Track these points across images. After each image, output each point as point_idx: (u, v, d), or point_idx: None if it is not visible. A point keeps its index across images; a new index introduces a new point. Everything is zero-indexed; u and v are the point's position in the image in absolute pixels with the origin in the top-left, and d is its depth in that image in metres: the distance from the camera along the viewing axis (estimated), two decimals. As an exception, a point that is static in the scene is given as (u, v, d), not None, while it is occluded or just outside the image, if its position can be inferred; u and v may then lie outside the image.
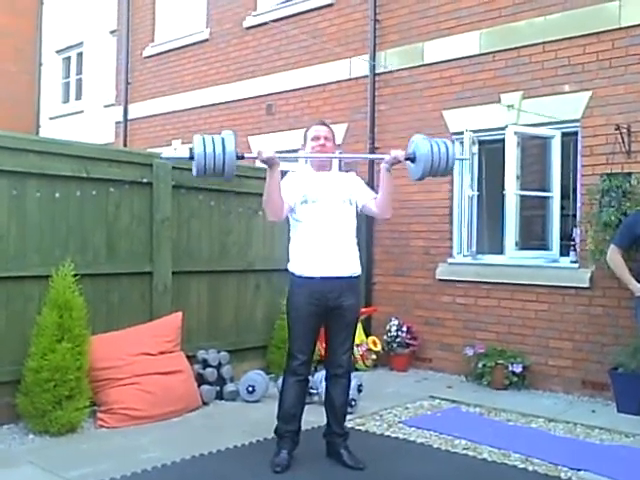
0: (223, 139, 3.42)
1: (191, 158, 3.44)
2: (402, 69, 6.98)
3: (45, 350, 4.17)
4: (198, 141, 3.41)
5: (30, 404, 4.16)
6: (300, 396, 3.78)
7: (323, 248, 3.66)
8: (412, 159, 3.84)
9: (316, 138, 3.82)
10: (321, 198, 3.71)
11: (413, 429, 4.60)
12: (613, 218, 5.24)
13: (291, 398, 3.75)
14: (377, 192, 3.91)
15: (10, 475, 3.50)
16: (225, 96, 8.84)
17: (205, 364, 5.24)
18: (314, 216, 3.69)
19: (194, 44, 9.39)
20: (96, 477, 3.48)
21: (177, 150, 9.28)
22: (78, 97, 12.99)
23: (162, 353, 4.84)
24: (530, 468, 3.85)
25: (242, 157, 3.54)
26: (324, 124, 3.93)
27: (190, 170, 5.42)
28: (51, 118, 13.47)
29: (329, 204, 3.72)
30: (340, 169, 7.22)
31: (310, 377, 4.23)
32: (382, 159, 3.91)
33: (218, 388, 5.21)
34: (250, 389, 5.19)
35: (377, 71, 7.14)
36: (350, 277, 3.75)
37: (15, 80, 13.39)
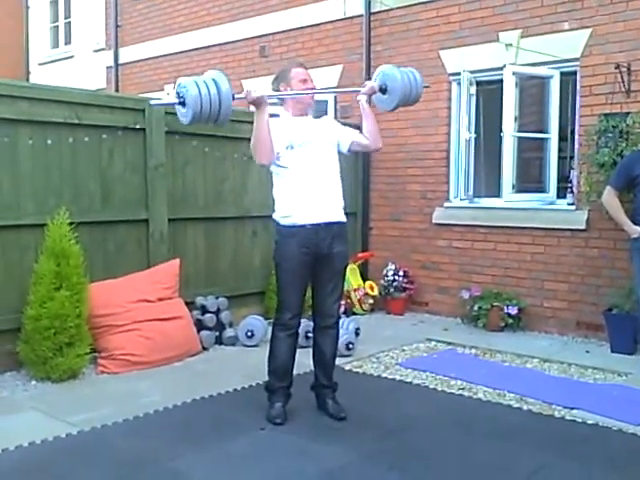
0: (215, 80, 3.23)
1: (181, 103, 3.24)
2: (398, 7, 6.80)
3: (44, 298, 4.18)
4: (189, 83, 3.20)
5: (31, 351, 4.20)
6: (292, 350, 3.67)
7: (313, 194, 3.55)
8: (383, 90, 3.80)
9: (304, 81, 3.68)
10: (307, 142, 3.59)
11: (410, 370, 4.68)
12: (608, 159, 5.20)
13: (283, 354, 3.65)
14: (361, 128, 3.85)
15: (15, 420, 3.56)
16: (217, 38, 8.65)
17: (204, 310, 5.29)
18: (301, 161, 3.56)
19: (184, -16, 9.12)
20: (99, 421, 3.54)
21: (169, 95, 9.12)
22: (67, 42, 12.68)
23: (161, 300, 4.87)
24: (525, 407, 3.93)
25: (233, 97, 3.35)
26: (305, 67, 3.82)
27: (183, 116, 5.38)
28: (40, 64, 13.17)
29: (315, 148, 3.61)
30: (336, 115, 7.17)
31: (305, 320, 4.24)
32: (358, 91, 3.85)
33: (217, 333, 5.27)
34: (249, 334, 5.25)
35: (372, 10, 6.96)
36: (340, 222, 3.67)
37: (2, 25, 13.08)
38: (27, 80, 12.61)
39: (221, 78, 3.24)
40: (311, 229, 3.54)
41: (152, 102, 3.62)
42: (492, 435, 3.50)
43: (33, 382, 4.23)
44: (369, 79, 6.87)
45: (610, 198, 4.84)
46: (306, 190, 3.55)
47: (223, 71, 3.36)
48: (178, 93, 3.25)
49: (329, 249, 3.60)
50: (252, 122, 5.96)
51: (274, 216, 3.69)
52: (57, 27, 13.05)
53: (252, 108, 3.57)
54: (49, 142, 4.57)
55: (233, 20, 8.49)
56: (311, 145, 3.61)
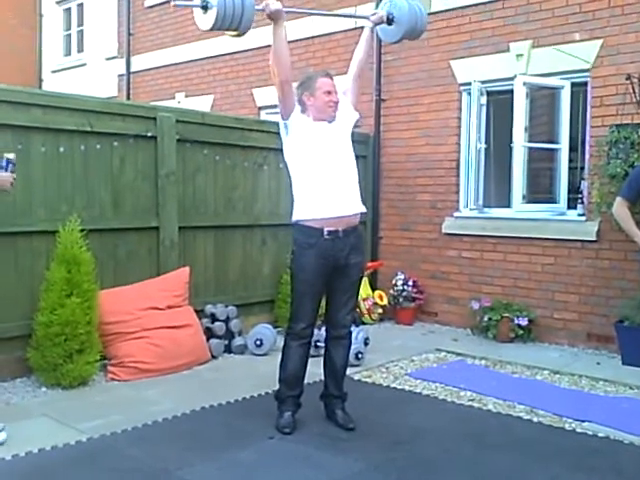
0: None
1: (204, 7, 3.20)
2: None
3: (54, 305, 4.20)
4: None
5: (41, 358, 4.22)
6: (304, 360, 3.66)
7: (334, 188, 3.51)
8: (390, 20, 3.81)
9: (329, 93, 3.63)
10: (329, 141, 3.59)
11: (419, 381, 4.66)
12: (620, 170, 5.18)
13: (295, 363, 3.63)
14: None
15: (26, 427, 3.57)
16: (229, 47, 8.68)
17: (213, 318, 5.29)
18: (321, 164, 3.54)
19: (197, -7, 9.17)
20: (108, 429, 3.55)
21: (179, 103, 9.18)
22: (80, 49, 12.76)
23: (170, 307, 4.88)
24: (535, 419, 3.91)
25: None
26: (331, 77, 3.75)
27: (194, 124, 5.43)
28: (53, 71, 13.26)
29: (334, 150, 3.59)
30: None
31: (316, 330, 4.23)
32: (367, 18, 3.89)
33: (226, 342, 5.27)
34: (258, 342, 5.25)
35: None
36: (357, 232, 3.66)
37: (15, 33, 13.19)
38: (40, 87, 12.71)
39: None
40: (329, 240, 3.51)
41: (175, 2, 3.49)
42: (502, 447, 3.48)
43: (43, 389, 4.25)
44: (379, 88, 6.97)
45: (620, 209, 4.80)
46: (328, 183, 3.51)
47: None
48: None
49: (346, 260, 3.58)
50: (261, 131, 6.02)
51: (294, 218, 3.63)
52: (70, 35, 13.15)
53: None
54: (61, 149, 4.61)
55: (245, 29, 8.52)
56: (333, 143, 3.60)
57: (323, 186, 3.54)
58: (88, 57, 12.34)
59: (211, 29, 3.27)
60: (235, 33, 3.39)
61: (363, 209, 3.71)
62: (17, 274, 4.41)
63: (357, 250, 3.66)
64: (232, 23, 3.20)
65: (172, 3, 3.42)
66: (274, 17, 3.42)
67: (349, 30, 7.33)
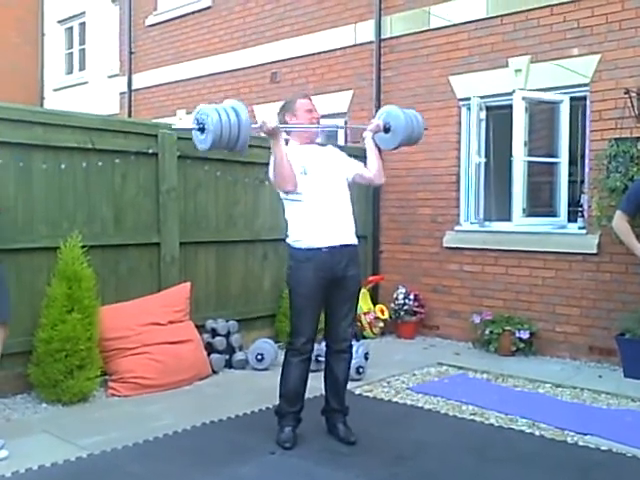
0: (234, 108, 3.28)
1: (200, 129, 3.28)
2: (408, 34, 6.88)
3: (55, 321, 4.21)
4: (210, 110, 3.24)
5: (42, 374, 4.22)
6: (304, 376, 3.64)
7: (327, 218, 3.57)
8: (387, 129, 3.93)
9: (309, 111, 3.73)
10: (318, 168, 3.63)
11: (421, 395, 4.65)
12: (619, 184, 5.20)
13: (295, 379, 3.62)
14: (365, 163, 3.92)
15: (26, 443, 3.56)
16: (229, 64, 8.76)
17: (214, 333, 5.29)
18: (314, 186, 3.58)
19: (197, 12, 9.28)
20: (109, 445, 3.54)
21: (181, 120, 9.24)
22: (82, 68, 12.86)
23: (171, 323, 4.89)
24: (537, 433, 3.89)
25: None
26: (309, 98, 3.86)
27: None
28: (55, 89, 13.35)
29: (326, 173, 3.65)
30: (346, 141, 7.21)
31: (317, 345, 4.22)
32: (364, 128, 3.96)
33: (227, 357, 5.26)
34: (259, 357, 5.24)
35: (383, 37, 7.04)
36: (353, 245, 3.68)
37: (17, 51, 13.30)
38: (41, 105, 12.79)
39: (240, 107, 3.31)
40: (327, 252, 3.53)
41: (174, 127, 3.59)
42: (504, 461, 3.46)
43: (44, 405, 4.24)
44: (379, 104, 7.01)
45: (620, 223, 4.81)
46: (320, 214, 3.57)
47: (242, 101, 3.44)
48: (197, 119, 3.30)
49: (343, 272, 3.60)
50: (262, 147, 6.03)
51: (288, 241, 3.69)
52: (72, 53, 13.26)
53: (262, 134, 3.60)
54: (63, 167, 4.63)
55: (245, 47, 8.61)
56: (322, 171, 3.65)
57: (313, 218, 3.57)
58: (90, 75, 12.44)
59: (209, 150, 3.36)
60: (231, 151, 3.47)
61: (354, 241, 3.71)
62: (18, 290, 4.41)
63: (354, 263, 3.68)
64: (228, 145, 3.30)
65: (173, 127, 3.50)
66: (271, 134, 3.48)
67: (348, 47, 7.41)
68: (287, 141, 3.72)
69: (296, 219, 3.65)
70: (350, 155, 3.98)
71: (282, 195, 3.69)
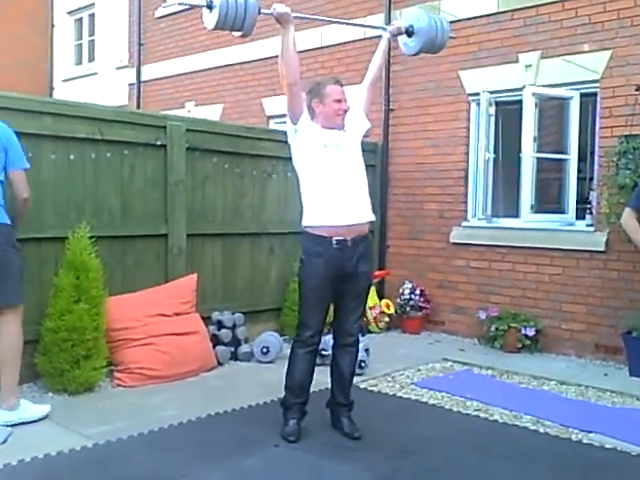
0: None
1: (208, 7, 3.27)
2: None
3: (62, 311, 4.23)
4: None
5: (49, 363, 4.24)
6: (310, 368, 3.64)
7: (344, 194, 3.51)
8: (410, 32, 3.84)
9: (339, 101, 3.62)
10: (339, 147, 3.58)
11: (425, 390, 4.65)
12: (629, 181, 5.17)
13: (301, 371, 3.62)
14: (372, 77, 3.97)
15: (31, 432, 3.58)
16: (238, 57, 8.75)
17: (220, 325, 5.30)
18: (334, 163, 3.54)
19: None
20: (114, 434, 3.55)
21: (190, 113, 9.24)
22: (91, 59, 12.87)
23: (178, 314, 4.90)
24: (541, 430, 3.89)
25: (259, 11, 3.40)
26: (341, 84, 3.73)
27: (204, 132, 5.46)
28: (64, 80, 13.37)
29: (346, 152, 3.60)
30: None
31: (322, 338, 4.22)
32: (384, 29, 3.94)
33: (233, 349, 5.28)
34: (264, 350, 5.25)
35: (392, 31, 7.01)
36: (365, 240, 3.66)
37: (27, 42, 13.32)
38: (51, 96, 12.81)
39: None
40: (337, 248, 3.51)
41: (179, 1, 3.54)
42: (508, 457, 3.46)
43: (50, 394, 4.26)
44: (388, 98, 6.99)
45: (629, 220, 4.78)
46: (338, 190, 3.52)
47: None
48: None
49: (354, 268, 3.58)
50: (270, 140, 6.04)
51: (303, 223, 3.63)
52: (81, 45, 13.26)
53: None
54: (72, 157, 4.64)
55: (253, 39, 8.56)
56: (342, 150, 3.60)
57: (333, 194, 3.54)
58: (99, 66, 12.44)
59: (214, 28, 3.34)
60: (240, 34, 3.45)
61: (372, 217, 3.71)
62: (26, 280, 4.41)
63: (365, 258, 3.66)
64: (235, 24, 3.28)
65: (176, 2, 3.49)
66: (282, 20, 3.46)
67: (358, 40, 7.38)
68: (312, 115, 3.66)
69: (312, 197, 3.60)
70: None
71: (302, 171, 3.64)
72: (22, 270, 3.76)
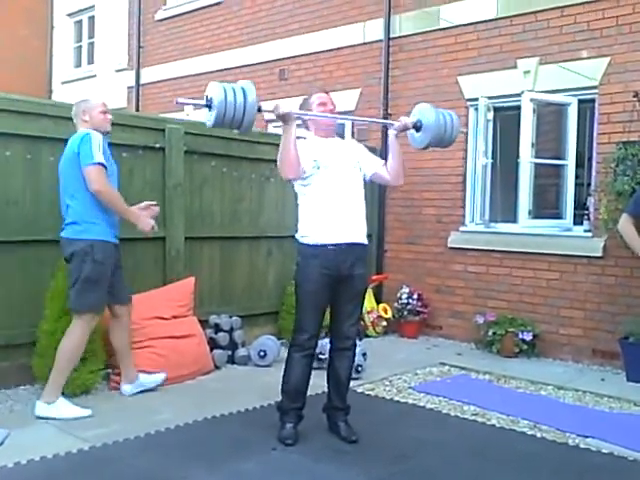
0: (244, 88, 3.31)
1: (207, 106, 3.31)
2: (417, 33, 6.87)
3: (59, 313, 4.21)
4: (218, 88, 3.27)
5: (45, 366, 4.21)
6: (306, 372, 3.65)
7: (338, 214, 3.56)
8: (418, 127, 3.82)
9: (323, 104, 3.72)
10: (333, 164, 3.61)
11: (423, 395, 4.65)
12: (627, 187, 5.18)
13: (298, 375, 3.63)
14: (386, 160, 3.86)
15: (28, 434, 3.57)
16: (238, 60, 8.77)
17: (217, 328, 5.30)
18: (327, 182, 3.58)
19: (207, 7, 9.29)
20: (110, 437, 3.55)
21: (188, 116, 9.24)
22: (90, 61, 12.87)
23: (175, 317, 4.90)
24: (538, 434, 3.89)
25: (259, 109, 3.42)
26: (327, 92, 3.86)
27: (202, 136, 5.45)
28: (63, 82, 13.37)
29: (341, 170, 3.63)
30: (353, 137, 7.21)
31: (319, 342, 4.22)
32: (392, 125, 3.91)
33: (230, 352, 5.27)
34: (262, 354, 5.25)
35: (392, 35, 7.04)
36: (362, 244, 3.68)
37: (26, 44, 13.32)
38: (49, 98, 12.81)
39: (250, 88, 3.34)
40: (332, 250, 3.53)
41: (178, 100, 3.56)
42: (505, 462, 3.46)
43: (47, 396, 4.25)
44: (387, 103, 7.01)
45: (626, 225, 4.79)
46: (331, 210, 3.56)
47: (254, 83, 3.45)
48: (206, 96, 3.33)
49: (350, 271, 3.59)
50: (268, 143, 6.04)
51: (296, 236, 3.69)
52: (80, 47, 13.27)
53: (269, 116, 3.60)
54: (70, 159, 4.63)
55: (253, 43, 8.61)
56: (337, 166, 3.62)
57: (329, 212, 3.56)
58: (98, 69, 12.45)
59: (213, 127, 3.38)
60: (237, 131, 3.48)
61: (365, 241, 3.71)
62: (23, 282, 4.43)
63: (361, 262, 3.67)
64: (233, 123, 3.31)
65: (175, 101, 3.53)
66: (284, 119, 3.48)
67: (357, 45, 7.40)
68: (306, 127, 3.74)
69: (306, 213, 3.66)
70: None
71: (296, 188, 3.69)
72: (90, 281, 3.94)
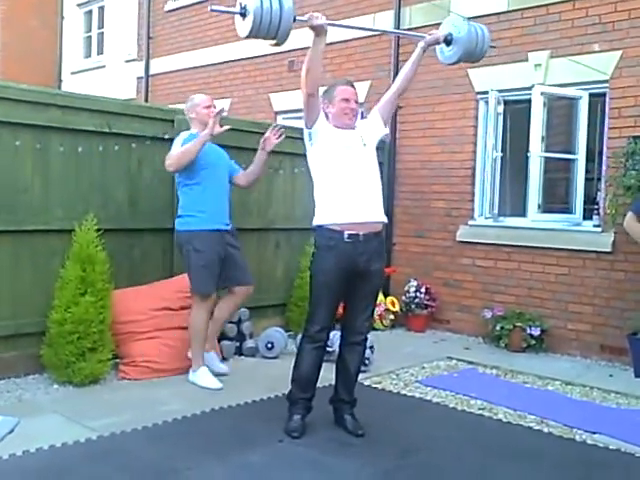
0: None
1: (241, 14, 3.20)
2: (427, 25, 6.81)
3: (69, 303, 4.24)
4: None
5: (54, 355, 4.25)
6: (317, 363, 3.65)
7: (354, 193, 3.50)
8: (449, 41, 3.73)
9: (347, 100, 3.63)
10: (352, 145, 3.58)
11: (429, 388, 4.65)
12: (635, 182, 5.15)
13: (308, 366, 3.62)
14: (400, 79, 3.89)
15: (37, 423, 3.59)
16: (247, 52, 8.73)
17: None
18: (341, 161, 3.54)
19: (216, -2, 9.25)
20: (118, 427, 3.57)
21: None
22: (100, 52, 12.90)
23: (183, 308, 4.90)
24: (545, 430, 3.88)
25: (294, 19, 3.36)
26: (352, 85, 3.75)
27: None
28: (73, 73, 13.40)
29: (360, 151, 3.60)
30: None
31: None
32: (423, 37, 3.86)
33: (238, 344, 5.29)
34: (269, 345, 5.26)
35: (402, 27, 6.99)
36: (379, 237, 3.64)
37: (36, 34, 13.35)
38: (59, 88, 12.84)
39: None
40: (349, 243, 3.48)
41: (212, 7, 3.54)
42: (512, 457, 3.46)
43: (55, 386, 4.28)
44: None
45: (632, 223, 4.78)
46: (347, 190, 3.51)
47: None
48: (240, 3, 3.23)
49: (366, 265, 3.55)
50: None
51: (315, 222, 3.62)
52: (90, 37, 13.29)
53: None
54: (80, 150, 4.65)
55: (263, 34, 8.57)
56: (356, 150, 3.60)
57: (345, 192, 3.53)
58: (107, 59, 12.47)
59: (247, 37, 3.29)
60: (273, 42, 3.40)
61: (384, 219, 3.70)
62: (33, 272, 4.45)
63: (379, 256, 3.65)
64: (269, 32, 3.21)
65: (209, 8, 3.45)
66: (316, 30, 3.46)
67: (366, 37, 7.36)
68: (327, 115, 3.68)
69: (321, 195, 3.61)
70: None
71: (315, 170, 3.65)
72: (196, 268, 4.38)
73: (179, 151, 4.37)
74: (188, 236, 4.39)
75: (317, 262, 3.59)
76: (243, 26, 3.24)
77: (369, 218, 3.57)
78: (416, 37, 4.12)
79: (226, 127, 4.47)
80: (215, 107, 4.55)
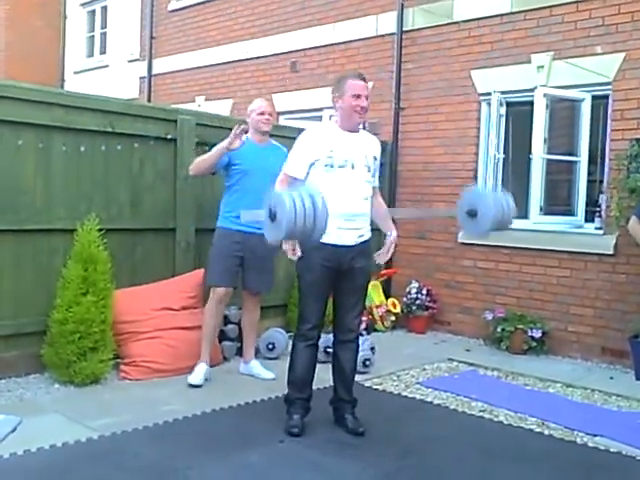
0: (312, 195, 2.91)
1: (271, 218, 2.93)
2: (430, 27, 6.83)
3: (70, 303, 4.24)
4: (283, 199, 2.86)
5: (55, 355, 4.25)
6: (311, 361, 3.66)
7: (342, 218, 3.47)
8: (473, 214, 3.43)
9: (358, 97, 3.51)
10: (347, 163, 3.54)
11: (430, 390, 4.64)
12: (639, 184, 5.14)
13: (302, 365, 3.65)
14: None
15: (37, 423, 3.60)
16: (249, 52, 8.75)
17: (226, 321, 5.30)
18: (338, 182, 3.51)
19: (219, -2, 9.26)
20: (119, 427, 3.57)
21: (201, 107, 9.24)
22: (102, 51, 12.93)
23: (184, 309, 4.91)
24: (546, 432, 3.88)
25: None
26: (364, 78, 3.61)
27: (214, 127, 5.44)
28: (75, 72, 13.43)
29: (355, 171, 3.57)
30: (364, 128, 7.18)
31: (325, 335, 4.21)
32: (454, 215, 3.66)
33: (239, 344, 5.28)
34: (270, 346, 5.26)
35: (404, 28, 7.00)
36: (363, 242, 3.65)
37: (39, 34, 13.38)
38: (62, 88, 12.86)
39: (317, 195, 2.96)
40: (332, 247, 3.51)
41: (243, 217, 3.77)
42: (512, 459, 3.46)
43: (56, 385, 4.28)
44: (399, 96, 6.97)
45: (636, 227, 4.79)
46: (335, 214, 3.38)
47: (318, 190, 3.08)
48: (269, 208, 2.96)
49: (351, 264, 3.59)
50: (280, 136, 6.03)
51: None
52: (93, 37, 13.31)
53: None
54: (82, 149, 4.65)
55: (265, 35, 8.59)
56: (350, 167, 3.57)
57: (337, 215, 3.37)
58: (110, 59, 12.48)
59: (282, 240, 3.19)
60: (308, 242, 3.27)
61: (368, 236, 3.68)
62: (34, 271, 4.46)
63: (363, 255, 3.66)
64: (303, 234, 2.96)
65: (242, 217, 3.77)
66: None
67: (369, 38, 7.37)
68: (330, 117, 3.66)
69: None
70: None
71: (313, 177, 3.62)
72: (210, 259, 4.65)
73: (199, 158, 4.54)
74: (215, 232, 4.66)
75: (303, 260, 3.60)
76: (274, 229, 2.96)
77: (356, 242, 3.59)
78: (447, 215, 3.87)
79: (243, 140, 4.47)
80: (271, 115, 4.65)
